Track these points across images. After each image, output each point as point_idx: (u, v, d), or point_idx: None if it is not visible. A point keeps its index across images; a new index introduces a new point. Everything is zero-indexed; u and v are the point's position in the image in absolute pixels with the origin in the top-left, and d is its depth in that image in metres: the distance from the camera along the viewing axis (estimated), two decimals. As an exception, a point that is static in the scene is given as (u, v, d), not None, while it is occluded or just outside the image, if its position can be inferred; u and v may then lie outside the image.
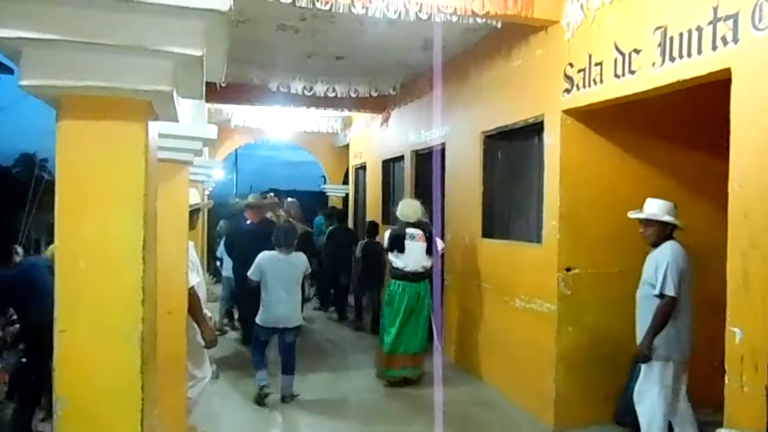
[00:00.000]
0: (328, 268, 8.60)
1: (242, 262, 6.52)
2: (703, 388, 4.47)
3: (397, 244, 5.63)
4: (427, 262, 5.67)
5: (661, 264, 3.66)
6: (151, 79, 1.29)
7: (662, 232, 3.78)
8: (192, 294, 3.68)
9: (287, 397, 5.23)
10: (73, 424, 1.28)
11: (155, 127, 1.56)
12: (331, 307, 9.20)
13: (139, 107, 1.34)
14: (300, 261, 5.34)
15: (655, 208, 3.81)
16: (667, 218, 3.76)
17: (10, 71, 14.54)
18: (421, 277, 5.66)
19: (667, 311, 3.64)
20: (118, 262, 1.32)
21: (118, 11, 1.18)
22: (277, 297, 5.12)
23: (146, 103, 1.35)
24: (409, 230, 5.64)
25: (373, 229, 8.18)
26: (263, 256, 5.28)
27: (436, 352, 5.83)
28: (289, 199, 8.90)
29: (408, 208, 5.79)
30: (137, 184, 1.32)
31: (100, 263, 1.31)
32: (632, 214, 3.87)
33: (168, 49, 1.25)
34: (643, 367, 3.75)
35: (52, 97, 1.31)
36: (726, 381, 3.01)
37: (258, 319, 5.27)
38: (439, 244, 5.87)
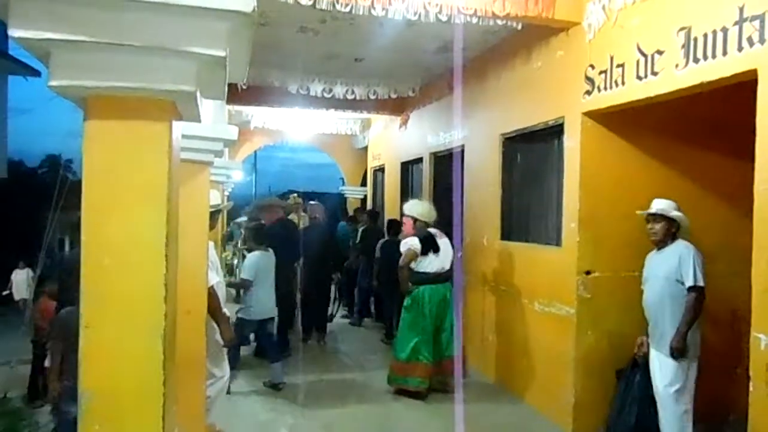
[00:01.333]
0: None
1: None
2: (724, 393, 4.43)
3: (433, 244, 5.41)
4: (453, 259, 5.57)
5: (686, 258, 3.69)
6: (175, 79, 1.31)
7: (670, 229, 3.82)
8: (211, 293, 3.72)
9: (280, 384, 5.46)
10: (98, 417, 1.30)
11: (179, 128, 1.58)
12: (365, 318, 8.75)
13: (163, 107, 1.36)
14: (273, 254, 5.85)
15: (663, 204, 3.84)
16: (674, 214, 3.79)
17: (37, 74, 14.88)
18: (446, 277, 5.49)
19: (701, 302, 3.67)
20: (141, 259, 1.34)
21: (143, 12, 1.20)
22: (269, 291, 5.62)
23: (170, 103, 1.38)
24: (432, 230, 5.53)
25: (396, 227, 7.57)
26: (255, 256, 5.69)
27: (457, 360, 5.54)
28: (312, 202, 8.65)
29: (421, 207, 5.68)
30: (161, 183, 1.35)
31: (124, 260, 1.33)
32: (642, 212, 3.89)
33: (192, 50, 1.27)
34: (673, 366, 3.69)
35: (79, 97, 1.34)
36: (750, 388, 2.96)
37: (246, 315, 5.57)
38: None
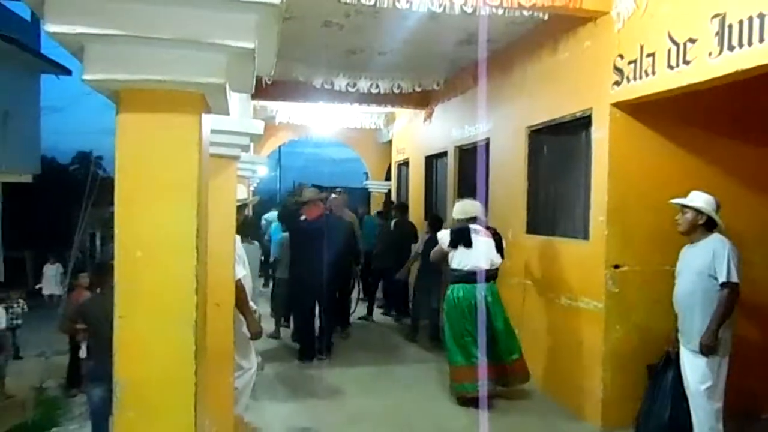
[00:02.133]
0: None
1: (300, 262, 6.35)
2: (757, 390, 4.32)
3: (463, 237, 5.01)
4: (496, 259, 5.11)
5: (720, 253, 3.59)
6: (205, 72, 1.32)
7: (696, 221, 3.72)
8: (239, 287, 3.76)
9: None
10: (132, 405, 1.33)
11: (208, 121, 1.60)
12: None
13: (193, 100, 1.38)
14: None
15: (695, 195, 3.76)
16: (698, 205, 3.69)
17: (68, 72, 15.21)
18: (489, 275, 5.04)
19: (734, 299, 3.57)
20: (172, 251, 1.36)
21: (174, 5, 1.22)
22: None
23: (200, 95, 1.39)
24: (472, 226, 5.11)
25: (437, 223, 7.28)
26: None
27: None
28: (333, 195, 8.06)
29: (468, 205, 5.30)
30: (191, 175, 1.36)
31: (156, 253, 1.35)
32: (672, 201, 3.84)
33: (222, 42, 1.28)
34: (703, 363, 3.61)
35: (112, 91, 1.36)
36: (787, 385, 2.88)
37: None
38: (503, 243, 5.32)
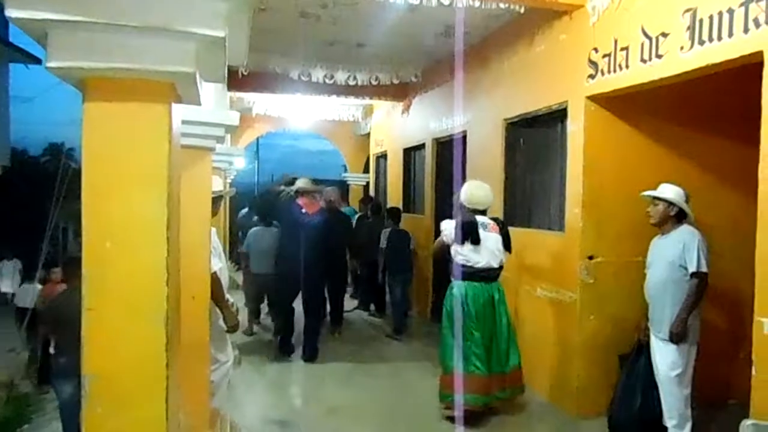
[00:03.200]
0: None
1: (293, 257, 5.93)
2: (724, 377, 4.44)
3: (472, 233, 4.47)
4: (504, 257, 4.66)
5: (690, 244, 3.68)
6: (175, 60, 1.30)
7: (668, 212, 3.80)
8: (215, 279, 3.73)
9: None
10: (101, 400, 1.31)
11: (179, 111, 1.57)
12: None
13: (162, 89, 1.35)
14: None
15: (665, 188, 3.85)
16: (669, 196, 3.78)
17: (38, 61, 14.81)
18: (495, 275, 4.62)
19: (703, 288, 3.67)
20: (142, 242, 1.34)
21: (141, -8, 1.19)
22: None
23: (170, 84, 1.37)
24: (480, 218, 4.57)
25: (397, 214, 7.58)
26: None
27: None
28: (328, 188, 7.59)
29: (479, 190, 4.68)
30: (161, 165, 1.34)
31: (126, 243, 1.33)
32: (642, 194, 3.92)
33: (191, 30, 1.26)
34: (673, 350, 3.70)
35: (78, 79, 1.33)
36: (753, 372, 2.95)
37: None
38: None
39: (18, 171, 16.32)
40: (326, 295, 7.01)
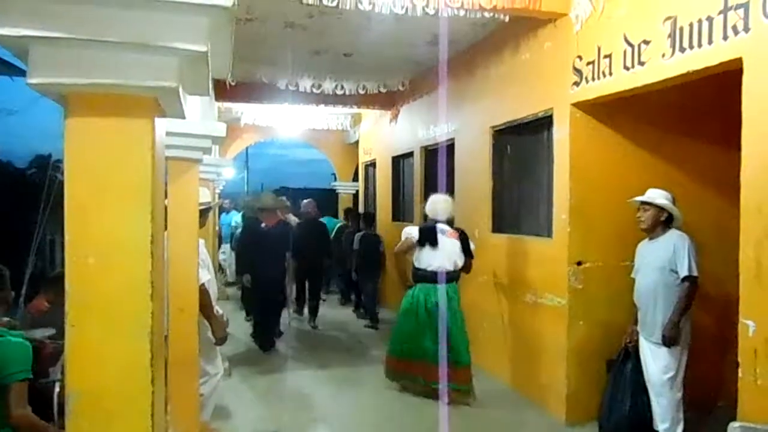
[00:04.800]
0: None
1: (259, 265, 6.79)
2: (714, 380, 4.47)
3: (430, 237, 5.05)
4: (459, 260, 5.12)
5: (680, 248, 3.73)
6: (157, 75, 1.30)
7: (658, 217, 3.85)
8: (203, 291, 3.71)
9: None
10: (86, 417, 1.29)
11: (162, 124, 1.57)
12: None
13: (145, 104, 1.35)
14: None
15: (654, 193, 3.88)
16: (660, 201, 3.83)
17: (23, 73, 14.71)
18: (450, 277, 5.07)
19: (694, 292, 3.72)
20: (126, 257, 1.33)
21: (123, 8, 1.19)
22: None
23: (152, 99, 1.37)
24: (440, 226, 5.13)
25: (369, 219, 8.45)
26: None
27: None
28: (305, 200, 8.86)
29: (440, 204, 5.29)
30: (144, 180, 1.33)
31: (109, 259, 1.32)
32: (631, 199, 3.94)
33: (173, 45, 1.26)
34: (665, 354, 3.73)
35: (59, 95, 1.32)
36: (739, 374, 2.98)
37: None
38: (472, 245, 5.28)
39: (3, 184, 16.12)
40: (306, 293, 8.34)
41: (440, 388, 4.89)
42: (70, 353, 1.32)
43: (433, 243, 5.03)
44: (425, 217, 5.44)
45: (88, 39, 1.21)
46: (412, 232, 5.23)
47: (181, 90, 1.39)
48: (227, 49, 1.43)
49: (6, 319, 3.11)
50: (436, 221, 5.17)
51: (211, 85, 1.58)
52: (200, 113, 3.79)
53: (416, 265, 5.14)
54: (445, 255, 5.05)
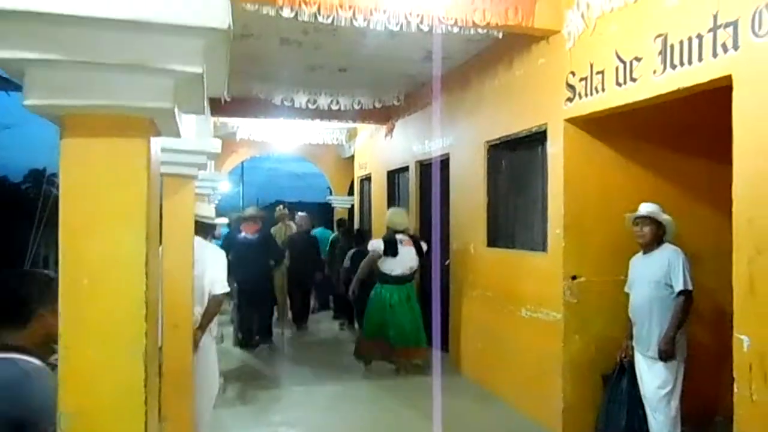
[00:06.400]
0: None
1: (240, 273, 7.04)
2: (710, 394, 4.47)
3: (391, 249, 6.23)
4: (414, 264, 6.34)
5: (675, 263, 3.75)
6: (153, 96, 1.30)
7: (658, 232, 3.88)
8: (216, 301, 3.91)
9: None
10: (77, 439, 1.29)
11: (158, 143, 1.58)
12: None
13: (141, 124, 1.35)
14: None
15: (651, 207, 3.90)
16: (664, 217, 3.85)
17: (18, 88, 14.72)
18: (408, 279, 6.34)
19: (689, 306, 3.73)
20: (121, 278, 1.32)
21: (119, 30, 1.20)
22: None
23: (148, 120, 1.37)
24: (398, 236, 6.31)
25: (362, 236, 8.67)
26: None
27: (436, 360, 6.04)
28: (300, 214, 9.50)
29: (398, 216, 6.54)
30: (139, 200, 1.33)
31: (103, 280, 1.32)
32: (636, 213, 3.93)
33: (168, 67, 1.26)
34: (662, 369, 3.73)
35: (55, 116, 1.33)
36: (735, 389, 2.99)
37: None
38: (424, 245, 6.48)
39: (-2, 198, 16.06)
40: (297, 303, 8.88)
41: (400, 363, 6.29)
42: (63, 374, 1.31)
43: (395, 253, 6.23)
44: (381, 229, 6.82)
45: (84, 61, 1.21)
46: (378, 245, 6.37)
47: (176, 110, 1.39)
48: (223, 69, 1.44)
49: None
50: (396, 231, 6.37)
51: (206, 104, 1.58)
52: (195, 129, 3.80)
53: (381, 269, 6.32)
54: (403, 262, 6.28)
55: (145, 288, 1.34)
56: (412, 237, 6.47)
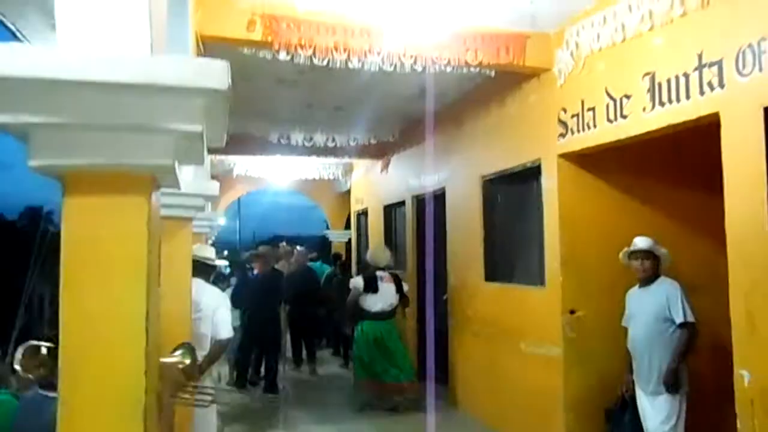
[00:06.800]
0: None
1: (251, 312, 7.13)
2: (711, 427, 4.41)
3: (371, 285, 6.34)
4: (395, 301, 6.42)
5: (673, 296, 3.75)
6: (153, 154, 1.34)
7: (658, 265, 3.88)
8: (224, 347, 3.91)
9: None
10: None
11: (158, 193, 1.60)
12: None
13: (141, 181, 1.38)
14: None
15: (649, 242, 3.91)
16: (662, 251, 3.88)
17: (16, 128, 14.81)
18: (389, 315, 6.38)
19: (694, 338, 3.72)
20: (121, 334, 1.33)
21: (121, 93, 1.24)
22: None
23: (149, 176, 1.40)
24: (378, 273, 6.43)
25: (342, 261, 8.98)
26: None
27: (430, 394, 6.01)
28: (299, 248, 9.53)
29: (381, 254, 6.75)
30: (140, 256, 1.35)
31: (104, 336, 1.33)
32: (635, 247, 3.91)
33: (170, 127, 1.30)
34: (664, 404, 3.70)
35: (58, 175, 1.36)
36: (738, 425, 2.97)
37: None
38: (405, 285, 6.61)
39: (-7, 237, 16.03)
40: (302, 343, 8.64)
41: (395, 400, 6.24)
42: (61, 430, 1.31)
43: (375, 290, 6.32)
44: (367, 264, 6.90)
45: (87, 123, 1.25)
46: (358, 282, 6.48)
47: (176, 165, 1.43)
48: (222, 124, 1.48)
49: None
50: (377, 268, 6.47)
51: (206, 153, 1.62)
52: (193, 171, 3.84)
53: (362, 306, 6.37)
54: (383, 299, 6.35)
55: (146, 344, 1.35)
56: (393, 274, 6.57)
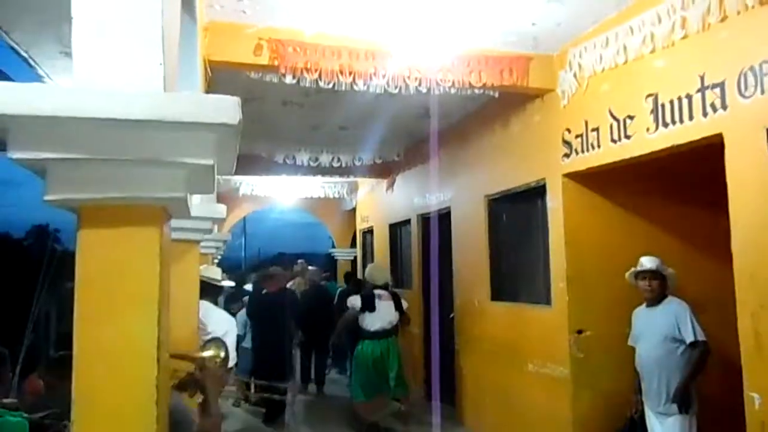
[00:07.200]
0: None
1: (261, 331, 6.98)
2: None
3: (369, 304, 6.20)
4: (394, 319, 6.27)
5: (682, 316, 3.73)
6: (166, 187, 1.37)
7: (666, 285, 3.86)
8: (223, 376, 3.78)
9: None
10: None
11: (169, 223, 1.63)
12: None
13: (154, 213, 1.42)
14: None
15: (656, 261, 3.90)
16: (669, 271, 3.88)
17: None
18: (389, 333, 6.24)
19: (706, 357, 3.69)
20: (133, 365, 1.36)
21: (136, 129, 1.27)
22: None
23: (161, 208, 1.43)
24: (377, 291, 6.30)
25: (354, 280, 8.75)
26: None
27: (436, 413, 6.12)
28: (311, 267, 9.58)
29: (378, 272, 6.64)
30: (151, 287, 1.38)
31: (116, 367, 1.35)
32: (641, 267, 3.90)
33: (182, 161, 1.34)
34: (674, 423, 3.67)
35: (74, 208, 1.39)
36: (749, 448, 2.94)
37: None
38: (404, 303, 6.47)
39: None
40: (312, 364, 8.48)
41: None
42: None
43: (372, 309, 6.16)
44: (365, 281, 6.85)
45: (103, 158, 1.28)
46: (355, 302, 6.32)
47: (188, 196, 1.46)
48: (232, 156, 1.51)
49: (8, 400, 3.08)
50: (375, 286, 6.35)
51: (215, 183, 1.65)
52: (200, 195, 3.89)
53: (361, 325, 6.23)
54: (382, 317, 6.20)
55: (157, 373, 1.37)
56: (391, 292, 6.47)
